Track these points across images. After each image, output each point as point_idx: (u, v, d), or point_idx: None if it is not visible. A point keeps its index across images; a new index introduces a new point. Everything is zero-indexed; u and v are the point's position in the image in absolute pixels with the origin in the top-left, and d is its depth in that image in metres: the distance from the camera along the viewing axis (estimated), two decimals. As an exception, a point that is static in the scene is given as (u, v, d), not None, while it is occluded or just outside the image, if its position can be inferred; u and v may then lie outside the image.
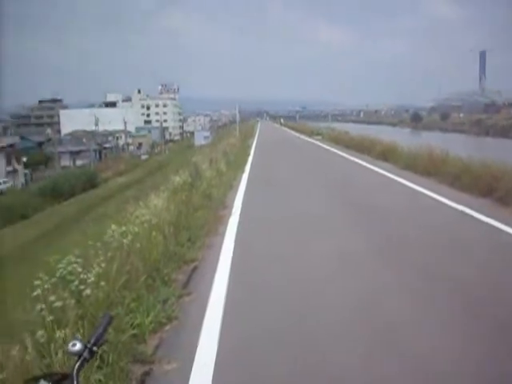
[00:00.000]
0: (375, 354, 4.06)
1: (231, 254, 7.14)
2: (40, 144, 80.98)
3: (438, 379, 3.68)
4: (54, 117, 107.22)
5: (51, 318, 3.82)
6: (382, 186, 13.65)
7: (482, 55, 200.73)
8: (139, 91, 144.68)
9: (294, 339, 4.40)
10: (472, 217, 9.02)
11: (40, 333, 3.66)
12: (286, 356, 4.09)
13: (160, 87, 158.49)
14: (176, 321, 4.89)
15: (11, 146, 59.12)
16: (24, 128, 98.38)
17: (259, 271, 6.46)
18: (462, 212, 9.44)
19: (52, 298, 3.98)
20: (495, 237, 7.72)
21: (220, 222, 9.48)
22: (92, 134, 78.79)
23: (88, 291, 4.33)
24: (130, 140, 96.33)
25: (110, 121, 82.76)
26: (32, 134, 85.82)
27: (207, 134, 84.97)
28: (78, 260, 4.71)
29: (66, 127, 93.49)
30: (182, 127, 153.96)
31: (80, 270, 4.56)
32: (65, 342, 3.51)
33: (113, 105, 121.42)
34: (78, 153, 76.44)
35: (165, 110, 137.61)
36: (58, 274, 4.45)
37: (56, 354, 3.48)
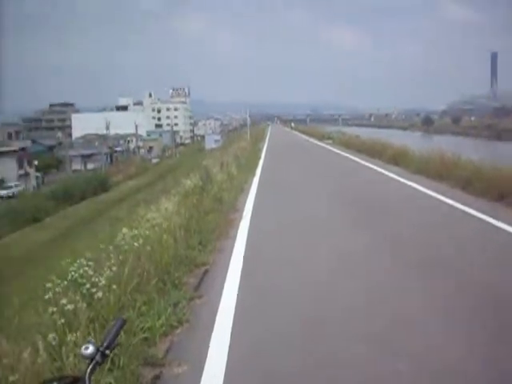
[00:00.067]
0: (385, 356, 4.00)
1: (242, 258, 7.12)
2: (51, 148, 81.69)
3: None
4: (66, 120, 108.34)
5: (62, 320, 3.83)
6: (394, 191, 13.43)
7: (494, 57, 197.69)
8: (150, 95, 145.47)
9: (305, 344, 4.36)
10: (492, 225, 8.49)
11: (51, 336, 3.67)
12: (296, 360, 4.06)
13: (171, 91, 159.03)
14: (187, 324, 4.88)
15: (23, 149, 59.76)
16: (35, 132, 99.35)
17: (270, 275, 6.44)
18: (482, 220, 8.91)
19: (63, 300, 3.99)
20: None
21: (231, 225, 9.46)
22: (103, 138, 79.37)
23: (99, 294, 4.35)
24: (141, 143, 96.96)
25: (122, 124, 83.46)
26: (43, 138, 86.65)
27: (218, 137, 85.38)
28: (90, 263, 4.73)
29: (78, 131, 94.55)
30: (192, 131, 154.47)
31: (91, 273, 4.59)
32: (76, 345, 3.52)
33: (124, 108, 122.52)
34: (89, 156, 76.97)
35: (176, 113, 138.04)
36: (69, 277, 4.47)
37: (67, 357, 3.48)
